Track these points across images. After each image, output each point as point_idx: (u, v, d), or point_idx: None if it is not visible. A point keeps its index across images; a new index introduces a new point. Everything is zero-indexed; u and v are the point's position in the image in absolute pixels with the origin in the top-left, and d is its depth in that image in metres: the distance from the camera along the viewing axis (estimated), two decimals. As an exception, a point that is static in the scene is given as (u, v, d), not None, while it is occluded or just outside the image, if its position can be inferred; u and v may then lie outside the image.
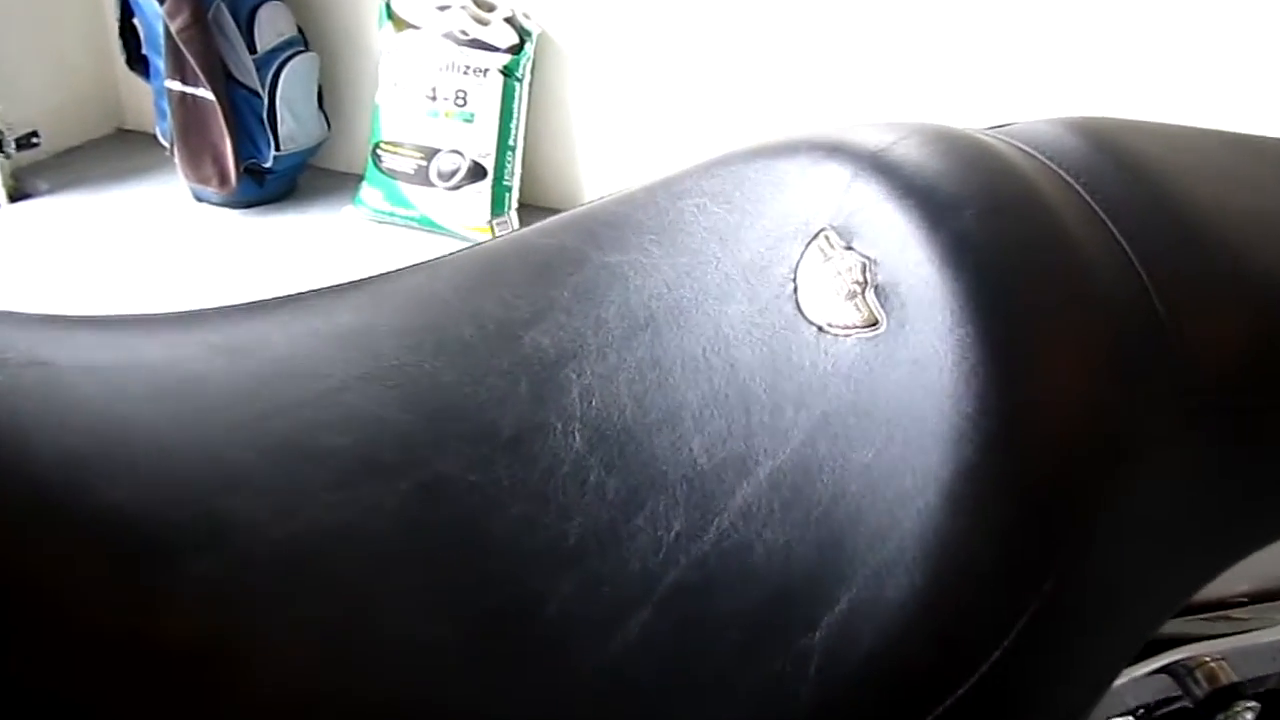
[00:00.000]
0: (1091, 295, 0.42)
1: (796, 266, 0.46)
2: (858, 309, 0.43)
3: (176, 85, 2.32)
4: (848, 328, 0.43)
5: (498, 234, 2.34)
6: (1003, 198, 0.44)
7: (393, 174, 2.37)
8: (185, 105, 2.34)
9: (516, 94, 2.31)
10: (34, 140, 2.50)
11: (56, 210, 2.45)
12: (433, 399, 0.46)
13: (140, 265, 2.25)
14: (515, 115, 2.32)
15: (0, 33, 2.38)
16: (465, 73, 2.28)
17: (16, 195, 2.46)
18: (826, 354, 0.43)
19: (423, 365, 0.48)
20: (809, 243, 0.46)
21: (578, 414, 0.45)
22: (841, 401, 0.42)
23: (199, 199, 2.49)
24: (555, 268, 0.53)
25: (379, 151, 2.38)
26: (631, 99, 2.34)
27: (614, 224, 0.54)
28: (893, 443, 0.40)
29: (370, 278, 0.56)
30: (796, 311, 0.45)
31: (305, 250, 2.33)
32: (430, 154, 2.33)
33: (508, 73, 2.28)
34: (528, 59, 2.30)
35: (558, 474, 0.44)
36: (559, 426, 0.45)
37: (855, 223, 0.45)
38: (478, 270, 0.55)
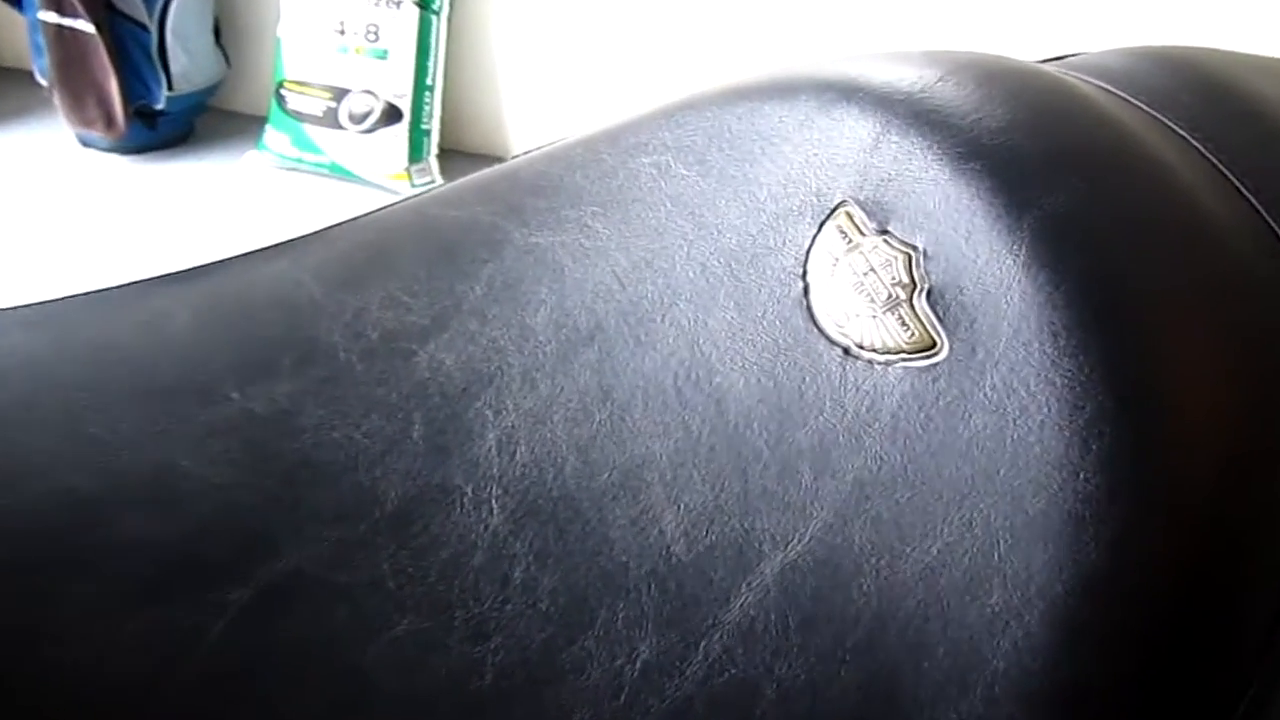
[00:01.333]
0: (1252, 300, 0.29)
1: (806, 257, 0.32)
2: (903, 324, 0.30)
3: (52, 17, 2.09)
4: (889, 352, 0.30)
5: (416, 183, 2.16)
6: (1105, 159, 0.31)
7: (299, 116, 2.17)
8: (63, 39, 2.11)
9: (434, 28, 2.12)
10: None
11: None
12: (285, 453, 0.32)
13: (20, 214, 2.03)
14: (433, 52, 2.14)
15: None
16: (376, 4, 2.08)
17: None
18: (858, 390, 0.29)
19: (273, 399, 0.33)
20: (823, 223, 0.32)
21: (495, 473, 0.32)
22: (885, 464, 0.28)
23: (85, 144, 2.26)
24: (462, 253, 0.38)
25: (283, 92, 2.18)
26: (568, 31, 2.16)
27: (543, 191, 0.39)
28: (969, 533, 0.26)
29: (206, 265, 0.41)
30: (809, 324, 0.31)
31: (203, 200, 2.13)
32: (340, 94, 2.14)
33: (424, 4, 2.09)
34: (445, -11, 2.11)
35: (466, 568, 0.30)
36: (468, 492, 0.31)
37: (890, 196, 0.31)
38: (357, 256, 0.40)
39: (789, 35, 2.00)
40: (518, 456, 0.32)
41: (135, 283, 0.41)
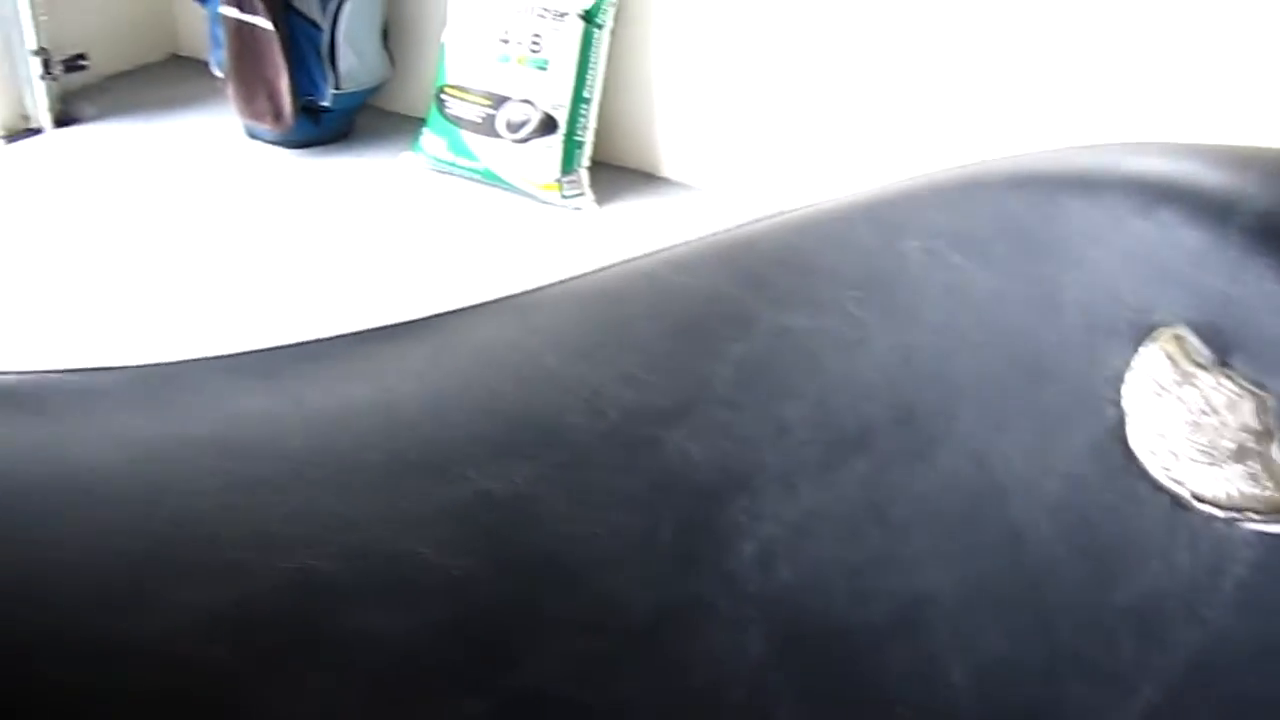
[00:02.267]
0: None
1: (1123, 382, 0.28)
2: (1254, 478, 0.26)
3: (233, 12, 2.17)
4: (1235, 509, 0.26)
5: (566, 194, 2.16)
6: None
7: (457, 121, 2.20)
8: (241, 34, 2.18)
9: (596, 42, 2.12)
10: (81, 63, 2.36)
11: (103, 137, 2.31)
12: (525, 546, 0.30)
13: (186, 201, 2.11)
14: (593, 65, 2.14)
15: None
16: (542, 15, 2.09)
17: (63, 119, 2.33)
18: (1194, 550, 0.26)
19: (511, 481, 0.31)
20: (1143, 344, 0.28)
21: (753, 590, 0.29)
22: (1230, 643, 0.24)
23: (252, 135, 2.34)
24: (704, 328, 0.36)
25: (443, 96, 2.21)
26: (727, 55, 2.14)
27: (790, 264, 0.36)
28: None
29: (429, 320, 0.39)
30: (1127, 461, 0.27)
31: (358, 196, 2.17)
32: (498, 102, 2.16)
33: (588, 18, 2.09)
34: (612, 4, 2.11)
35: (723, 701, 0.27)
36: (723, 610, 0.29)
37: (1232, 322, 0.27)
38: (589, 323, 0.38)
39: (953, 73, 1.93)
40: (779, 574, 0.29)
41: (355, 334, 0.40)
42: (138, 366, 0.39)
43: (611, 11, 2.12)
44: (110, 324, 1.75)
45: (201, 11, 2.35)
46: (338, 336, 0.41)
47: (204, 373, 0.37)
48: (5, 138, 2.28)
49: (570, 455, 0.33)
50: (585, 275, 0.42)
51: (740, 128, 2.19)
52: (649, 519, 0.31)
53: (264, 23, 2.14)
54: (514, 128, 2.15)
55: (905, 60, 1.98)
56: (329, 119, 2.31)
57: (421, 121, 2.29)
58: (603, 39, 2.13)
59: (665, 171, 2.31)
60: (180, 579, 0.30)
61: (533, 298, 0.41)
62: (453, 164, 2.23)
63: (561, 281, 0.42)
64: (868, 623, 0.29)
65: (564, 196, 2.18)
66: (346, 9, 2.20)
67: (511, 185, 2.19)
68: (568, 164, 2.18)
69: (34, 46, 2.25)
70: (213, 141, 2.33)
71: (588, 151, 2.21)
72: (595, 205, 2.19)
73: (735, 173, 2.23)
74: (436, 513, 0.31)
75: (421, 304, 1.51)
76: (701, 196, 2.25)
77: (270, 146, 2.32)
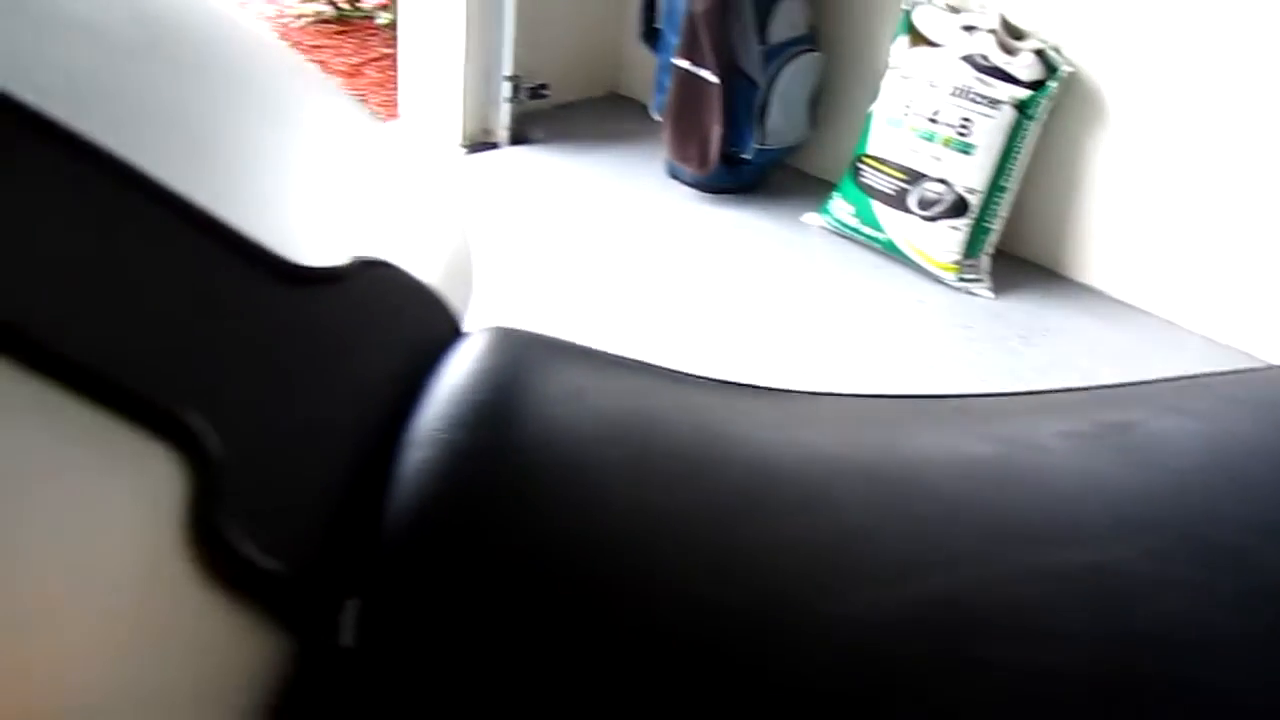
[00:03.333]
0: None
1: None
2: None
3: (683, 63, 2.36)
4: None
5: (964, 276, 2.17)
6: None
7: (868, 190, 2.27)
8: (686, 84, 2.37)
9: (1026, 133, 2.11)
10: (543, 92, 2.65)
11: (548, 157, 2.58)
12: (1131, 620, 0.34)
13: (607, 222, 2.32)
14: (1017, 155, 2.13)
15: (537, -14, 2.54)
16: (976, 101, 2.12)
17: (517, 138, 2.62)
18: None
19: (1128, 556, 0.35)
20: None
21: None
22: None
23: (672, 174, 2.52)
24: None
25: (860, 165, 2.29)
26: (1161, 162, 2.07)
27: None
28: None
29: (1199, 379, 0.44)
30: None
31: (760, 246, 2.29)
32: (914, 178, 2.20)
33: (1023, 109, 2.09)
34: (1050, 98, 2.10)
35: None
36: None
37: None
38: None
39: None
40: None
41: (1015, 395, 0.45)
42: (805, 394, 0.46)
43: (1047, 106, 2.10)
44: (520, 314, 1.95)
45: (646, 58, 2.58)
46: (1007, 396, 0.46)
47: (894, 410, 0.44)
48: (468, 148, 2.60)
49: (1188, 547, 0.36)
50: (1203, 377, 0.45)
51: (1157, 240, 2.10)
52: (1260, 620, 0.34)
53: (710, 76, 2.31)
54: (925, 205, 2.19)
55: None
56: (747, 170, 2.45)
57: (832, 185, 2.38)
58: (1033, 131, 2.12)
59: (1071, 271, 2.25)
60: (859, 579, 0.37)
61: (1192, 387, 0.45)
62: (856, 230, 2.29)
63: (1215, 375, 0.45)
64: None
65: (960, 279, 2.18)
66: (786, 72, 2.34)
67: (910, 259, 2.22)
68: (972, 248, 2.18)
69: (508, 73, 2.56)
70: (637, 175, 2.53)
71: (994, 239, 2.20)
72: (991, 293, 2.18)
73: (1145, 284, 2.14)
74: (1052, 569, 0.36)
75: (803, 357, 1.57)
76: (1105, 303, 2.18)
77: (687, 187, 2.49)
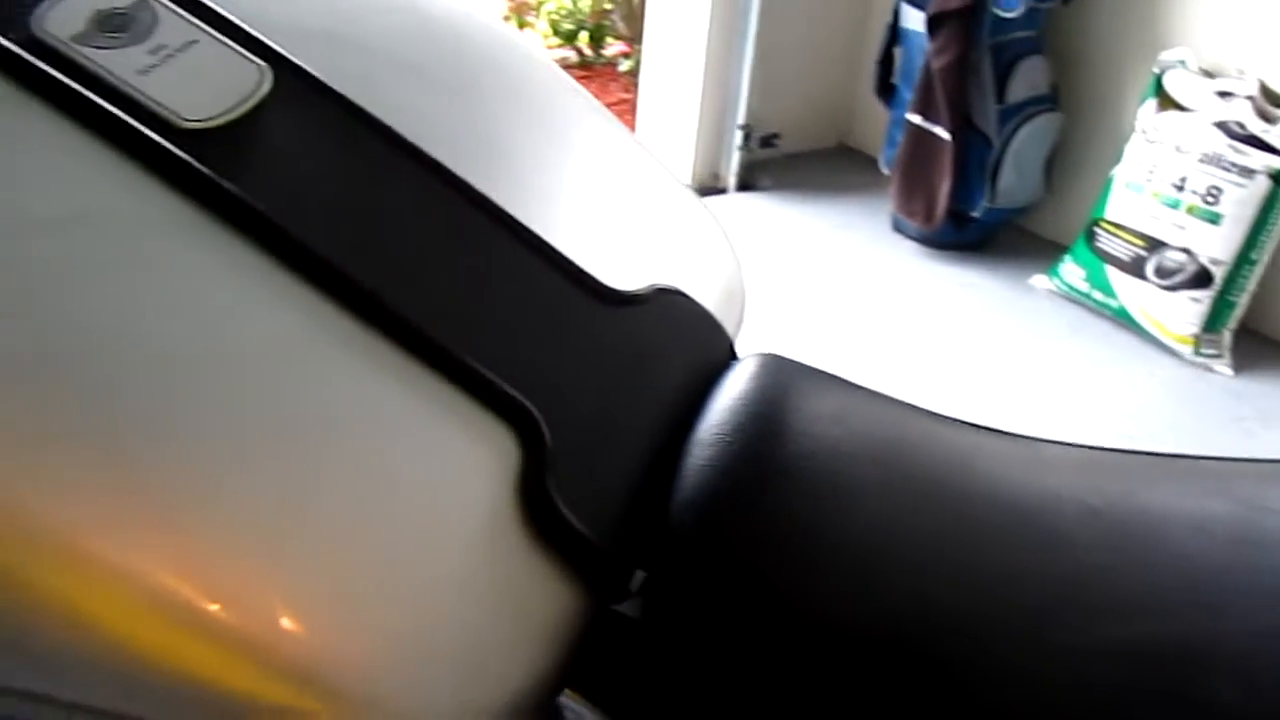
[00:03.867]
0: None
1: None
2: None
3: (916, 119, 2.37)
4: None
5: (1202, 350, 2.07)
6: None
7: (1104, 256, 2.20)
8: (918, 139, 2.38)
9: (1281, 205, 2.01)
10: (774, 141, 2.73)
11: (772, 205, 2.65)
12: None
13: (828, 274, 2.35)
14: (1270, 228, 2.03)
15: (771, 42, 2.61)
16: (1227, 169, 2.03)
17: (744, 185, 2.70)
18: None
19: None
20: None
21: None
22: None
23: (896, 228, 2.53)
24: None
25: (1096, 229, 2.23)
26: None
27: None
28: None
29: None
30: None
31: (982, 305, 2.26)
32: (1154, 246, 2.13)
33: (1279, 179, 1.99)
34: (1311, 170, 1.99)
35: None
36: None
37: None
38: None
39: None
40: None
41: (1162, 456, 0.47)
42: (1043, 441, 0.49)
43: (1308, 177, 2.00)
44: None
45: (878, 112, 2.60)
46: (1180, 457, 0.48)
47: (1131, 464, 0.47)
48: (696, 192, 2.70)
49: None
50: None
51: None
52: None
53: (943, 133, 2.32)
54: (1164, 274, 2.11)
55: None
56: (973, 228, 2.43)
57: (1063, 248, 2.33)
58: (1289, 203, 2.02)
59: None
60: (1093, 615, 0.40)
61: None
62: (1086, 295, 2.23)
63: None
64: None
65: (1198, 353, 2.09)
66: (1023, 132, 2.31)
67: (1143, 329, 2.15)
68: (1213, 322, 2.08)
69: (741, 122, 2.64)
70: (862, 227, 2.56)
71: (1238, 314, 2.10)
72: (1230, 370, 2.07)
73: None
74: None
75: (1025, 421, 1.54)
76: (1363, 390, 2.03)
77: (910, 241, 2.50)
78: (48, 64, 0.39)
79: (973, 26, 2.26)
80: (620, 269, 0.48)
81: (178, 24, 0.43)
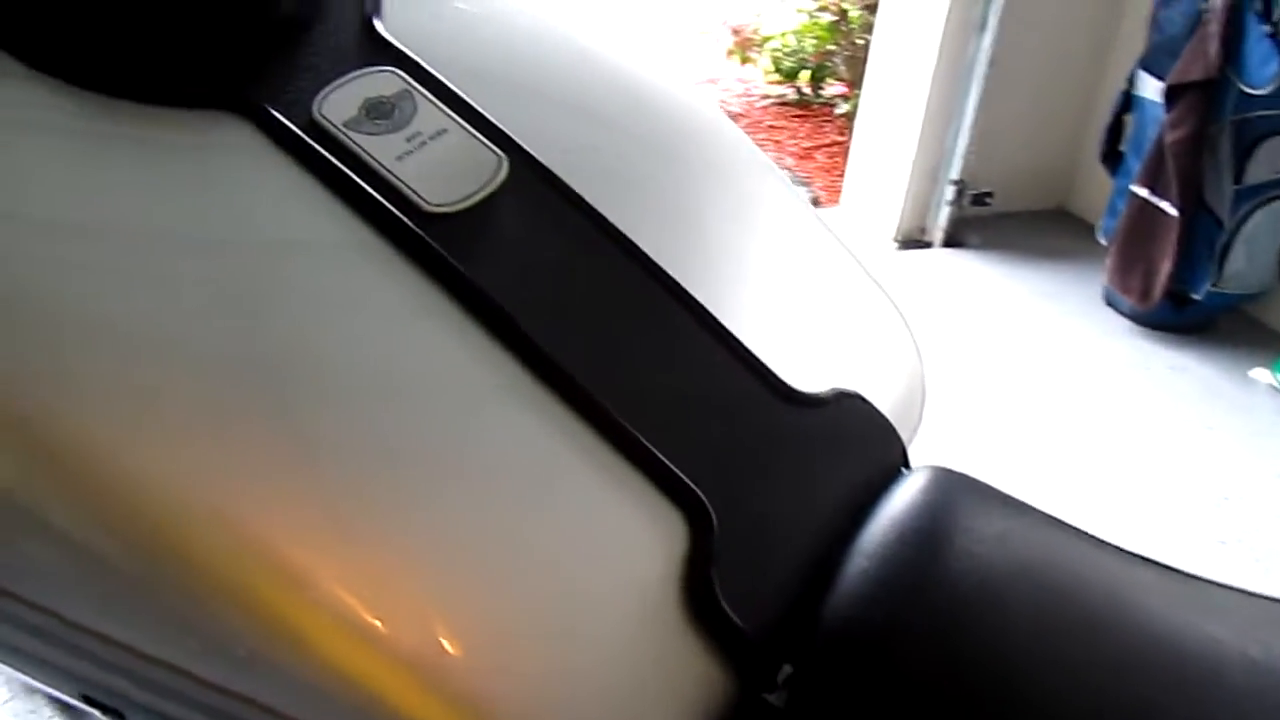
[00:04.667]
0: None
1: None
2: None
3: (1142, 191, 2.27)
4: None
5: None
6: None
7: (1337, 356, 2.05)
8: (1142, 212, 2.28)
9: None
10: (986, 200, 2.66)
11: (979, 264, 2.59)
12: None
13: (1029, 343, 2.28)
14: None
15: (995, 97, 2.55)
16: None
17: (951, 241, 2.65)
18: None
19: None
20: None
21: None
22: None
23: (1108, 302, 2.43)
24: None
25: (1332, 326, 2.08)
26: None
27: None
28: None
29: None
30: None
31: (1195, 395, 2.14)
32: (1397, 352, 1.96)
33: None
34: None
35: None
36: None
37: None
38: None
39: None
40: None
41: None
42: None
43: None
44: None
45: (1101, 179, 2.50)
46: None
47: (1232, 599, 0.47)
48: (900, 243, 2.67)
49: None
50: None
51: None
52: None
53: (1170, 208, 2.21)
54: (1406, 384, 1.94)
55: None
56: (1192, 311, 2.30)
57: (1292, 342, 2.18)
58: None
59: None
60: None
61: None
62: (1312, 396, 2.08)
63: None
64: None
65: None
66: (1259, 215, 2.18)
67: (1376, 440, 1.98)
68: None
69: (954, 177, 2.60)
70: (1072, 297, 2.47)
71: None
72: None
73: None
74: None
75: (1226, 528, 1.45)
76: None
77: (1122, 318, 2.39)
78: (322, 145, 0.45)
79: (1214, 100, 2.14)
80: (803, 366, 0.51)
81: (433, 113, 0.48)
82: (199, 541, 0.38)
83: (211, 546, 0.38)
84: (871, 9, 2.95)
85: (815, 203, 3.07)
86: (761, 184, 0.62)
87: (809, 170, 3.23)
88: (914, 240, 2.69)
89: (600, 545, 0.42)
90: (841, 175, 2.96)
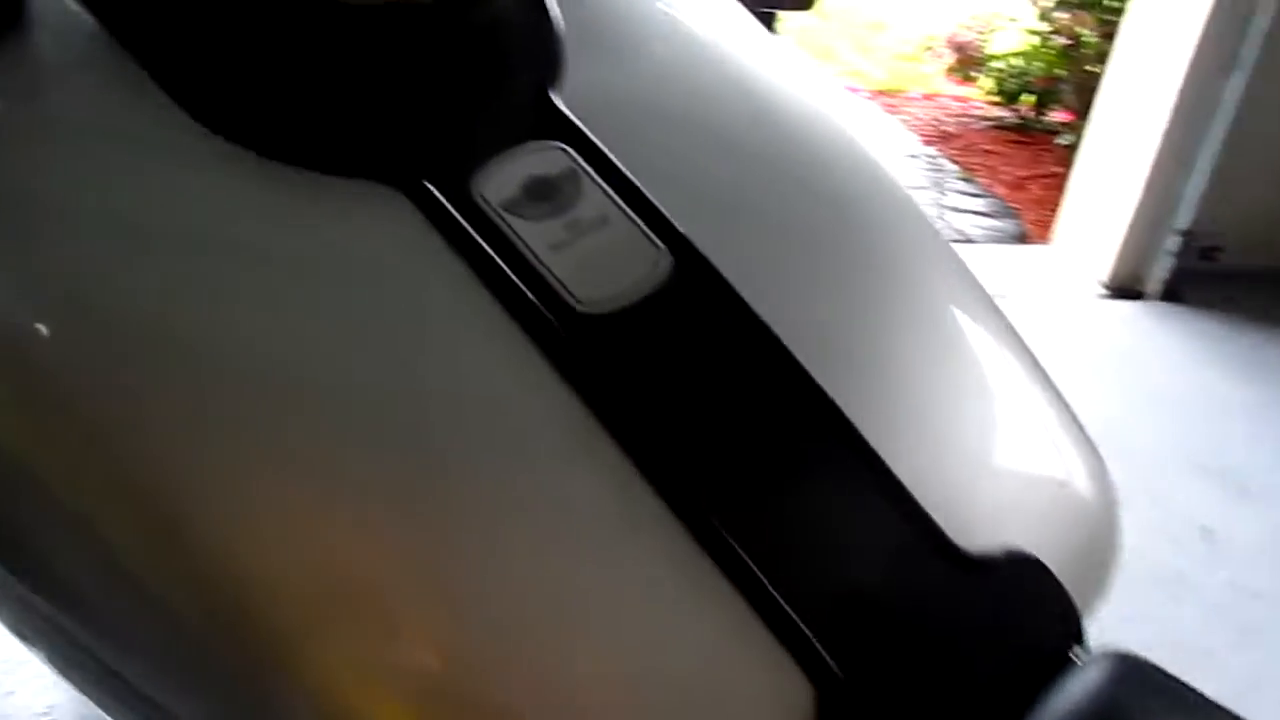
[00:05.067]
0: None
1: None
2: None
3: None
4: None
5: None
6: None
7: None
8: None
9: None
10: (1214, 254, 2.45)
11: (1198, 324, 2.39)
12: None
13: (1242, 412, 2.08)
14: None
15: (1238, 145, 2.32)
16: None
17: (1168, 294, 2.46)
18: None
19: None
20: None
21: None
22: None
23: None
24: None
25: None
26: None
27: None
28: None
29: None
30: None
31: None
32: None
33: None
34: None
35: None
36: None
37: None
38: None
39: None
40: None
41: None
42: None
43: None
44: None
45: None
46: None
47: None
48: (1110, 291, 2.49)
49: None
50: None
51: None
52: None
53: None
54: None
55: None
56: None
57: None
58: None
59: None
60: None
61: None
62: None
63: None
64: None
65: None
66: None
67: None
68: None
69: (1182, 227, 2.40)
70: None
71: None
72: None
73: None
74: None
75: None
76: None
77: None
78: (476, 227, 0.42)
79: None
80: (975, 514, 0.45)
81: (597, 199, 0.45)
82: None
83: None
84: (1109, 36, 2.75)
85: (1023, 238, 2.90)
86: (945, 281, 0.55)
87: (1021, 201, 3.06)
88: (1126, 289, 2.50)
89: (716, 704, 0.38)
90: (1054, 210, 2.78)
